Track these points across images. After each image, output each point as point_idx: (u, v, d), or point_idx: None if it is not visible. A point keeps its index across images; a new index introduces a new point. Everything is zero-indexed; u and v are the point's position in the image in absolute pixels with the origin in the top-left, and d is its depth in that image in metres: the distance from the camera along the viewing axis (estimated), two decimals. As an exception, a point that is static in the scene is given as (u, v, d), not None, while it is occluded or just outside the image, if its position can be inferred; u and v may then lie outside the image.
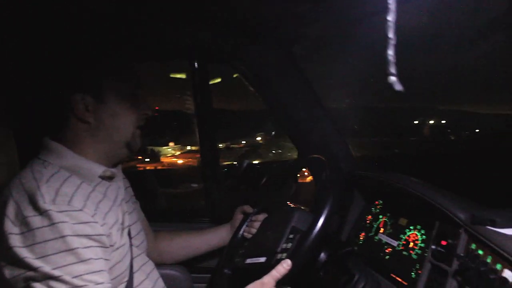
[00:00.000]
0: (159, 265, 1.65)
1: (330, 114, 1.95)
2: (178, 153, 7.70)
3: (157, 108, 1.39)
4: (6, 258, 1.09)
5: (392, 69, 0.77)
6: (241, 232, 1.70)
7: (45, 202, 1.10)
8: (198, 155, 2.20)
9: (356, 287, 1.41)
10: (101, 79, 1.28)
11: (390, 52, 0.77)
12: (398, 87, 0.77)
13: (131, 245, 1.37)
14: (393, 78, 0.77)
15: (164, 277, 1.58)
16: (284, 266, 1.23)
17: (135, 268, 1.38)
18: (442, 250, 1.29)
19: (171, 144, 7.45)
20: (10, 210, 1.11)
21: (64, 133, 1.28)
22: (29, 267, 1.06)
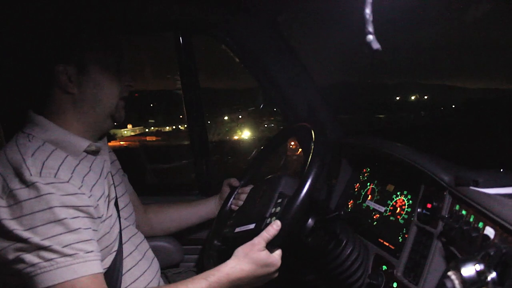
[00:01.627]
0: (150, 237, 1.67)
1: (316, 82, 1.95)
2: (132, 134, 7.57)
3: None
4: None
5: (370, 28, 0.77)
6: (228, 204, 1.71)
7: (32, 174, 1.10)
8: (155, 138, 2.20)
9: (344, 252, 1.44)
10: (84, 49, 1.26)
11: (368, 10, 0.76)
12: (376, 45, 0.77)
13: (119, 216, 1.38)
14: (370, 37, 0.77)
15: (156, 249, 1.60)
16: (274, 227, 1.24)
17: (124, 239, 1.39)
18: (428, 213, 1.31)
19: (129, 126, 7.34)
20: None
21: (48, 106, 1.28)
22: (18, 239, 1.07)
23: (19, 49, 1.33)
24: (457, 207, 1.19)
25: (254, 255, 1.25)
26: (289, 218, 1.23)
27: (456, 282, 0.85)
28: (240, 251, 1.28)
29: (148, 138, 7.36)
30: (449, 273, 0.86)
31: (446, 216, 1.22)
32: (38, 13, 1.33)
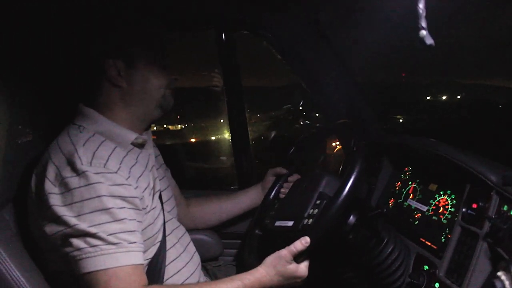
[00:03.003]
0: (191, 230, 1.70)
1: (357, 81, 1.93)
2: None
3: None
4: (47, 216, 1.15)
5: (423, 23, 0.76)
6: (273, 193, 1.72)
7: (83, 163, 1.15)
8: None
9: (385, 250, 1.43)
10: (132, 44, 1.31)
11: (421, 5, 0.76)
12: (429, 40, 0.76)
13: (162, 209, 1.41)
14: (423, 32, 0.76)
15: (196, 242, 1.63)
16: (302, 243, 1.25)
17: (167, 232, 1.42)
18: (473, 213, 1.28)
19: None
20: (50, 172, 1.17)
21: (97, 99, 1.32)
22: (67, 224, 1.12)
23: (71, 44, 1.38)
24: (505, 207, 1.17)
25: (281, 269, 1.29)
26: (320, 232, 1.25)
27: (507, 282, 0.83)
28: (269, 262, 1.31)
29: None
30: (499, 273, 0.85)
31: (493, 216, 1.19)
32: (89, 9, 1.37)
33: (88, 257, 1.11)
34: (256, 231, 1.60)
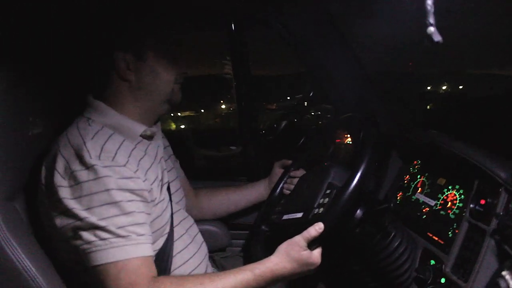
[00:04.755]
0: (199, 221, 1.71)
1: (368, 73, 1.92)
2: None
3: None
4: (57, 209, 1.17)
5: (431, 19, 0.75)
6: (279, 188, 1.72)
7: (91, 157, 1.16)
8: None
9: (392, 244, 1.43)
10: (142, 38, 1.31)
11: (429, 1, 0.75)
12: (437, 37, 0.75)
13: (170, 200, 1.43)
14: (431, 29, 0.75)
15: (204, 233, 1.64)
16: (316, 229, 1.25)
17: (175, 223, 1.44)
18: (481, 209, 1.27)
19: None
20: (59, 165, 1.18)
21: (106, 91, 1.33)
22: (77, 217, 1.13)
23: (80, 36, 1.39)
24: (514, 204, 1.16)
25: (295, 255, 1.28)
26: (336, 212, 1.24)
27: (511, 282, 0.83)
28: (282, 249, 1.30)
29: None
30: (504, 272, 0.85)
31: (501, 213, 1.18)
32: (100, 2, 1.37)
33: (98, 250, 1.13)
34: (263, 227, 1.60)
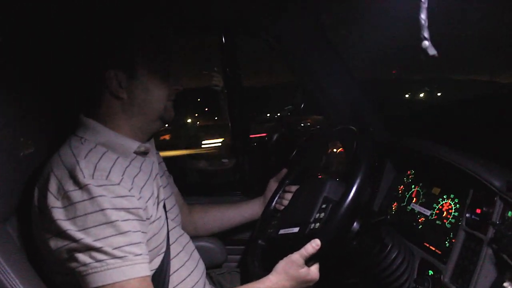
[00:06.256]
0: (194, 237, 1.69)
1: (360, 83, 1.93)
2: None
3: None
4: (51, 231, 1.14)
5: (426, 33, 0.75)
6: (273, 203, 1.71)
7: (85, 177, 1.13)
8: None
9: (390, 256, 1.43)
10: (134, 55, 1.29)
11: (423, 16, 0.75)
12: (432, 51, 0.75)
13: (166, 217, 1.41)
14: (426, 43, 0.75)
15: (200, 249, 1.62)
16: (313, 246, 1.25)
17: (171, 240, 1.42)
18: (477, 218, 1.28)
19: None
20: (52, 185, 1.16)
21: (98, 109, 1.31)
22: (72, 239, 1.11)
23: (71, 55, 1.38)
24: (510, 213, 1.16)
25: (294, 273, 1.28)
26: (333, 227, 1.24)
27: (513, 293, 0.83)
28: (280, 267, 1.31)
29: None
30: (505, 284, 0.84)
31: (498, 222, 1.18)
32: (89, 19, 1.36)
33: (95, 272, 1.10)
34: (259, 242, 1.59)
